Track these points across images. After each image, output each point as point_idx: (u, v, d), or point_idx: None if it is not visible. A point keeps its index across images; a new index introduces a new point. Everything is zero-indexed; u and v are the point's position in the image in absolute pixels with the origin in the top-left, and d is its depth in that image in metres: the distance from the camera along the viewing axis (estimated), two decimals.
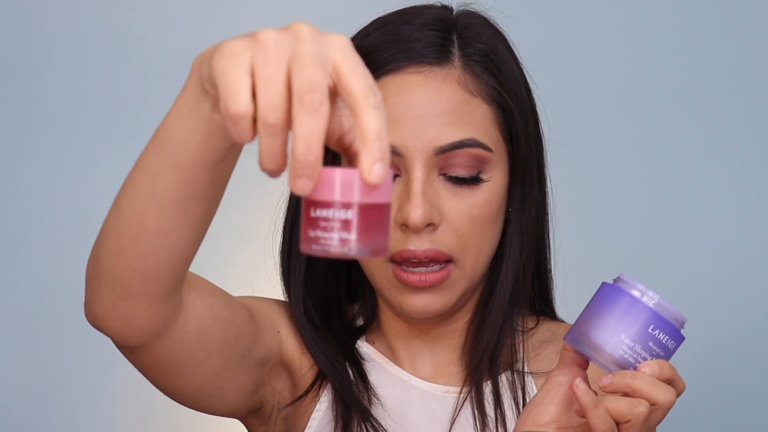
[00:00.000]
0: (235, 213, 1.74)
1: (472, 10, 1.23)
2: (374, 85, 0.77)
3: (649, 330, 1.02)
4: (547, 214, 1.27)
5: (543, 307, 1.30)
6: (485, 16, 1.23)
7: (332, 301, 1.26)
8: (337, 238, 0.77)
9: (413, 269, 1.16)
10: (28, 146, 1.88)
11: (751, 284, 1.91)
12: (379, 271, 1.19)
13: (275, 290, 1.29)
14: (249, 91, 0.76)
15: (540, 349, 1.26)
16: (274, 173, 0.78)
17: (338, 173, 0.77)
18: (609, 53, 1.92)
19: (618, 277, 1.06)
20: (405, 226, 1.15)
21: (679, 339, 1.04)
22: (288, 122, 0.76)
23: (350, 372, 1.23)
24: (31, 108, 1.88)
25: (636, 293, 1.03)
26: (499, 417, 1.21)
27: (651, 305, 1.03)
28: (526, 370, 1.24)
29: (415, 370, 1.25)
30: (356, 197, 0.77)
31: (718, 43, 1.91)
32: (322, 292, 1.25)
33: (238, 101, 0.76)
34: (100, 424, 1.88)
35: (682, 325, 1.05)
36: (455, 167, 1.16)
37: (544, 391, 1.07)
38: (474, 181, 1.17)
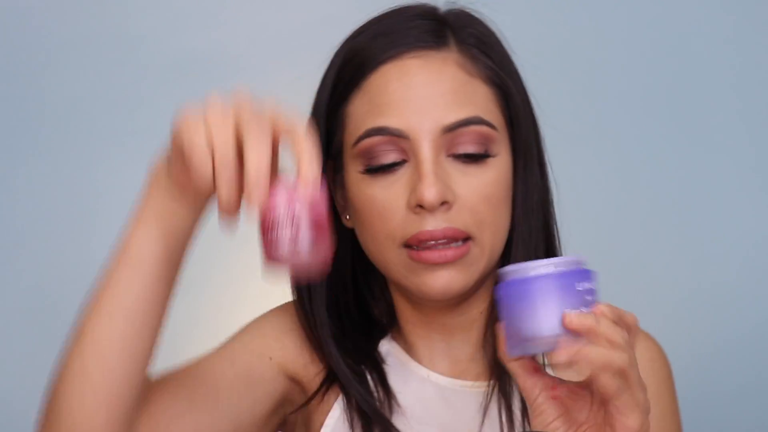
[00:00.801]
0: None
1: (460, 8, 1.24)
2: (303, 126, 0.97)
3: (574, 290, 1.00)
4: (550, 200, 1.26)
5: None
6: (471, 11, 1.24)
7: (341, 308, 1.25)
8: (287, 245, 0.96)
9: (430, 248, 1.16)
10: (28, 146, 1.88)
11: (753, 285, 1.91)
12: (393, 259, 1.18)
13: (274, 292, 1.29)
14: (204, 133, 0.97)
15: None
16: (231, 208, 0.97)
17: (281, 190, 0.96)
18: (613, 51, 1.92)
19: (503, 274, 1.03)
20: (419, 208, 1.15)
21: (592, 277, 1.02)
22: (239, 159, 0.95)
23: (370, 379, 1.22)
24: (31, 108, 1.88)
25: (533, 273, 1.00)
26: (524, 409, 1.20)
27: (553, 271, 1.00)
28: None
29: (434, 365, 1.24)
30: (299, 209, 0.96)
31: (725, 42, 1.91)
32: (333, 300, 1.24)
33: (199, 134, 0.96)
34: None
35: (584, 262, 1.02)
36: (462, 145, 1.16)
37: (534, 409, 1.05)
38: (482, 158, 1.17)
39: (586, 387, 1.03)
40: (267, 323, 1.26)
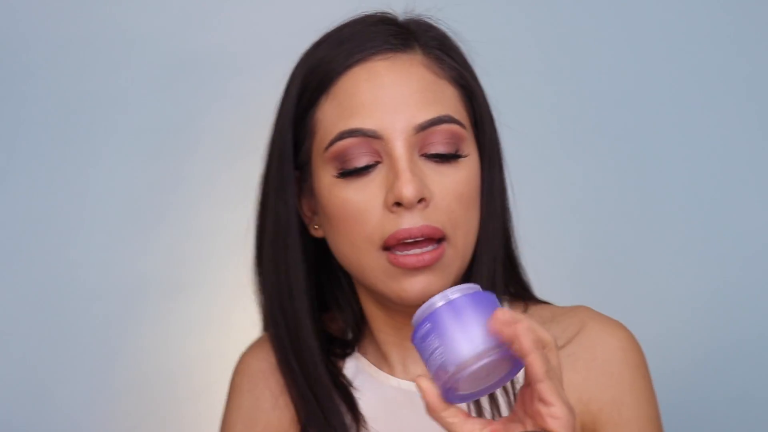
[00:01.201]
0: (228, 216, 1.74)
1: (419, 17, 1.25)
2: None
3: (491, 308, 1.01)
4: (508, 200, 1.26)
5: (520, 291, 1.28)
6: (430, 21, 1.25)
7: (304, 332, 1.24)
8: None
9: (408, 251, 1.15)
10: (28, 146, 1.88)
11: (753, 286, 1.91)
12: (371, 263, 1.17)
13: None
14: None
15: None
16: None
17: None
18: (610, 54, 1.92)
19: (413, 323, 1.05)
20: (397, 206, 1.14)
21: (487, 297, 1.03)
22: None
23: (339, 408, 1.22)
24: (31, 108, 1.88)
25: (439, 303, 1.02)
26: (492, 406, 1.20)
27: (457, 296, 1.02)
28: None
29: (407, 373, 1.23)
30: None
31: (725, 42, 1.91)
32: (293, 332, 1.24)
33: None
34: (99, 425, 1.88)
35: (472, 288, 1.03)
36: (434, 145, 1.16)
37: None
38: (454, 157, 1.16)
39: (517, 418, 1.03)
40: (256, 387, 1.27)
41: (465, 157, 1.17)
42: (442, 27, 1.24)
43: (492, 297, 1.02)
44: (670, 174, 1.91)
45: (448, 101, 1.18)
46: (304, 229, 1.22)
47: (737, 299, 1.90)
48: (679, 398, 1.86)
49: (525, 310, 1.25)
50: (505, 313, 0.99)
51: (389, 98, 1.16)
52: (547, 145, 1.89)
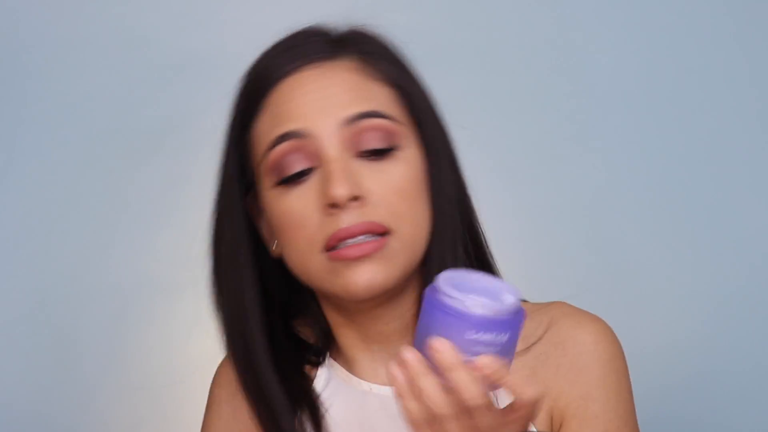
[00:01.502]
0: None
1: (355, 26, 1.26)
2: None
3: (466, 337, 1.01)
4: (467, 197, 1.26)
5: None
6: (367, 29, 1.26)
7: (276, 346, 1.25)
8: None
9: (347, 243, 1.16)
10: (28, 146, 1.88)
11: (754, 287, 1.91)
12: (314, 266, 1.18)
13: None
14: None
15: None
16: None
17: None
18: (611, 54, 1.92)
19: (438, 278, 1.03)
20: (332, 207, 1.15)
21: (506, 328, 1.01)
22: None
23: (303, 427, 1.23)
24: (31, 108, 1.88)
25: (448, 300, 1.01)
26: None
27: (461, 309, 1.00)
28: None
29: (377, 377, 1.24)
30: None
31: (729, 42, 1.91)
32: (270, 341, 1.25)
33: None
34: (100, 424, 1.88)
35: (511, 311, 1.01)
36: (366, 141, 1.17)
37: None
38: (388, 152, 1.18)
39: None
40: (234, 397, 1.28)
41: (401, 151, 1.18)
42: (382, 34, 1.25)
43: (496, 326, 1.00)
44: (670, 174, 1.91)
45: (378, 99, 1.19)
46: (262, 250, 1.23)
47: (739, 302, 1.90)
48: (679, 400, 1.85)
49: None
50: (436, 345, 1.00)
51: (317, 100, 1.18)
52: (547, 145, 1.89)
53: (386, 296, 1.20)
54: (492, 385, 1.00)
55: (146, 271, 1.86)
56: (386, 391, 1.22)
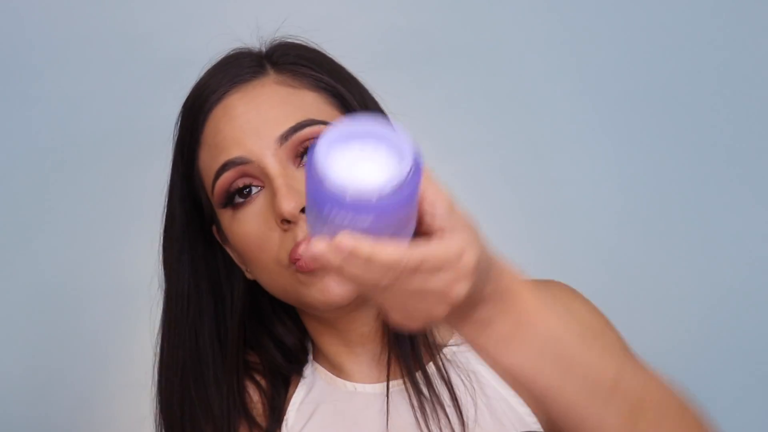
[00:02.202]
0: None
1: (277, 40, 1.27)
2: None
3: (325, 213, 0.85)
4: None
5: None
6: (290, 39, 1.27)
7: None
8: None
9: None
10: (28, 146, 1.88)
11: (754, 288, 1.91)
12: (286, 281, 1.18)
13: None
14: None
15: None
16: None
17: None
18: (612, 54, 1.92)
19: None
20: (285, 223, 1.16)
21: (368, 210, 0.84)
22: None
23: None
24: (31, 108, 1.88)
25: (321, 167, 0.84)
26: (434, 398, 1.21)
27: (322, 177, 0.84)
28: (455, 343, 1.25)
29: (363, 377, 1.25)
30: None
31: (730, 42, 1.92)
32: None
33: None
34: (99, 424, 1.89)
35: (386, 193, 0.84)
36: (305, 150, 1.18)
37: None
38: None
39: None
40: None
41: None
42: (299, 41, 1.26)
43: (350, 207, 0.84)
44: (669, 174, 1.91)
45: (308, 107, 1.20)
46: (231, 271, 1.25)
47: (738, 302, 1.90)
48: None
49: None
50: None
51: (247, 124, 1.18)
52: (547, 145, 1.90)
53: (361, 299, 1.20)
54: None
55: (147, 270, 1.86)
56: (372, 389, 1.24)
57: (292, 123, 1.18)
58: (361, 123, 0.86)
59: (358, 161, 0.85)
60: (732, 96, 1.90)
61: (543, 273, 1.31)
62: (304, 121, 1.18)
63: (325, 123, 1.18)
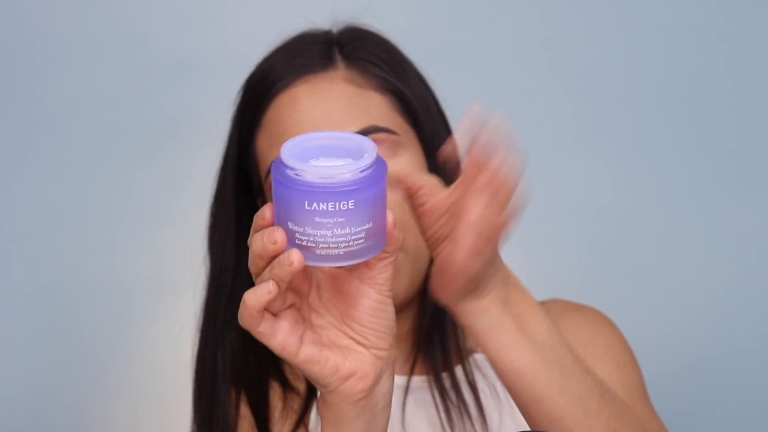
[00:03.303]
0: None
1: (350, 25, 1.26)
2: None
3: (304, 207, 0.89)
4: None
5: None
6: (363, 26, 1.26)
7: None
8: None
9: None
10: (28, 146, 1.88)
11: (754, 289, 1.91)
12: None
13: None
14: None
15: None
16: None
17: None
18: (612, 54, 1.92)
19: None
20: None
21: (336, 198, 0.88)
22: None
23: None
24: (32, 108, 1.88)
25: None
26: (459, 400, 1.22)
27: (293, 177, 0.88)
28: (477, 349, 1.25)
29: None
30: None
31: (729, 41, 1.92)
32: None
33: None
34: (99, 424, 1.89)
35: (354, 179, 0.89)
36: None
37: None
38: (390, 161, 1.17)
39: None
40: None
41: (400, 157, 1.18)
42: (374, 32, 1.26)
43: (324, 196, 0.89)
44: (669, 174, 1.92)
45: (374, 111, 1.19)
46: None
47: (738, 301, 1.90)
48: (678, 399, 1.86)
49: None
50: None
51: (310, 120, 1.18)
52: (547, 145, 1.90)
53: (399, 306, 1.20)
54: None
55: (147, 270, 1.87)
56: (399, 381, 1.24)
57: (356, 128, 1.17)
58: (323, 134, 0.92)
59: (324, 158, 0.90)
60: (732, 96, 1.91)
61: (543, 273, 1.31)
62: (368, 127, 1.18)
63: (386, 131, 1.18)
